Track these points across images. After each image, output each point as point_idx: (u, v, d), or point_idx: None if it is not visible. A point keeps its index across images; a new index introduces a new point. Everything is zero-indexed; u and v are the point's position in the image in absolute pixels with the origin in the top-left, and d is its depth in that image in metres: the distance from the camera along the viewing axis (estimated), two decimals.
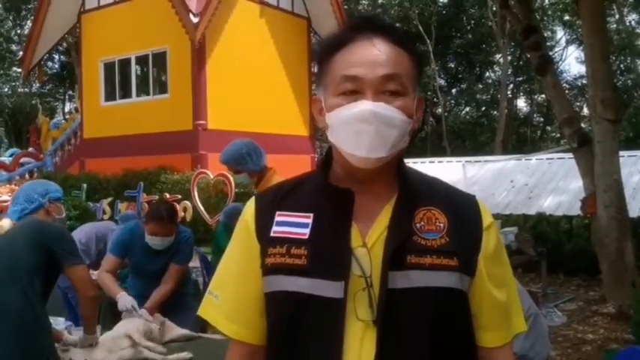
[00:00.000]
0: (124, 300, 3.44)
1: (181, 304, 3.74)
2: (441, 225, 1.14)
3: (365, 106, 1.10)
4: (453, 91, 31.80)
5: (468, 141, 31.29)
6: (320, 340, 1.10)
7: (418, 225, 1.14)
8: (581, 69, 29.38)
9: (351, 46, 1.15)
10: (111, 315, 3.70)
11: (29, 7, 28.94)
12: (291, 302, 1.12)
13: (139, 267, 3.80)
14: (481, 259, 1.16)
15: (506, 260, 1.23)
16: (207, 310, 1.25)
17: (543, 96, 26.61)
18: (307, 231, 1.14)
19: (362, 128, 1.10)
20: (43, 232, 2.84)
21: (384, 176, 1.17)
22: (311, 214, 1.16)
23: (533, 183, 11.08)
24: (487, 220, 1.19)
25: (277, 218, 1.18)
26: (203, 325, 3.36)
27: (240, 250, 1.23)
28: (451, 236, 1.13)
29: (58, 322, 3.58)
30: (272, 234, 1.17)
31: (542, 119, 32.25)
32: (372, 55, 1.13)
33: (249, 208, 1.24)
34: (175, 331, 3.29)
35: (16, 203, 3.08)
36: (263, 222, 1.19)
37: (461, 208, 1.19)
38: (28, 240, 2.80)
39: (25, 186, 3.30)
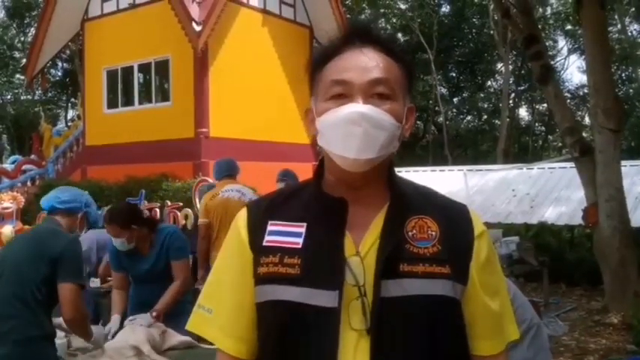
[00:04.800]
0: (108, 325, 3.53)
1: (180, 310, 3.73)
2: (433, 233, 1.14)
3: (353, 107, 1.11)
4: (455, 100, 31.80)
5: (470, 150, 31.29)
6: (314, 349, 1.09)
7: (410, 233, 1.14)
8: (583, 78, 29.37)
9: (341, 55, 1.17)
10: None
11: (33, 14, 29.06)
12: (285, 311, 1.11)
13: (132, 274, 3.82)
14: (473, 268, 1.15)
15: (499, 269, 1.23)
16: (198, 324, 1.23)
17: (545, 105, 26.60)
18: (300, 240, 1.14)
19: (351, 130, 1.10)
20: (50, 244, 2.81)
21: (374, 184, 1.18)
22: (304, 224, 1.15)
23: (535, 192, 11.05)
24: (479, 228, 1.19)
25: (270, 228, 1.17)
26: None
27: (234, 260, 1.21)
28: (443, 244, 1.13)
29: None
30: (265, 243, 1.16)
31: (543, 128, 32.24)
32: (362, 61, 1.14)
33: (241, 217, 1.24)
34: (175, 338, 3.27)
35: (58, 195, 3.07)
36: (255, 231, 1.18)
37: (452, 216, 1.19)
38: (34, 250, 2.79)
39: (75, 189, 3.38)
